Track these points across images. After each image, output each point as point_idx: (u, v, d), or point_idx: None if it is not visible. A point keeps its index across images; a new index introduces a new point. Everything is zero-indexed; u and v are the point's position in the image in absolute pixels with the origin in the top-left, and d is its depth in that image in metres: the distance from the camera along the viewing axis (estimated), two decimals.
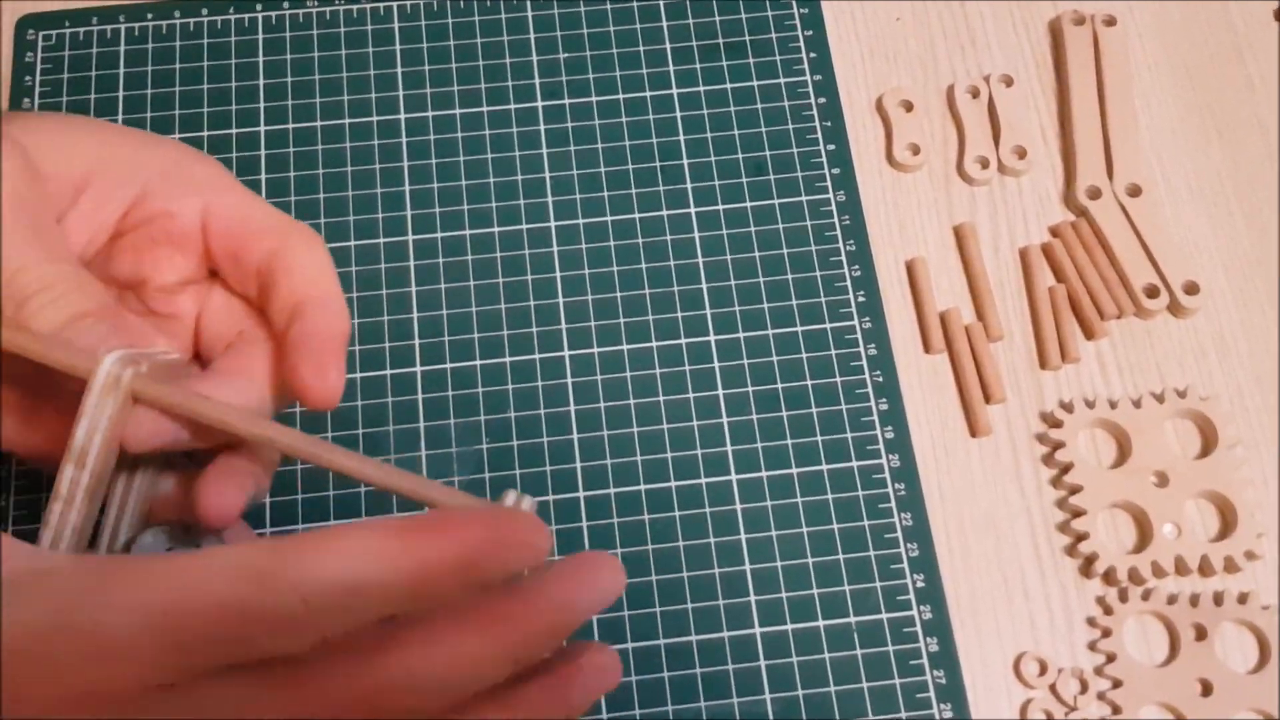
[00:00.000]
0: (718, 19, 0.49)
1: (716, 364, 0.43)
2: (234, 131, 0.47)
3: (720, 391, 0.43)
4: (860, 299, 0.44)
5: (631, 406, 0.43)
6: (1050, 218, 0.46)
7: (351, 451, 0.29)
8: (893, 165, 0.47)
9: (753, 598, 0.40)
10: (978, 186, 0.46)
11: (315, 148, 0.46)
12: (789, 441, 0.42)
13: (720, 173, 0.46)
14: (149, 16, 0.48)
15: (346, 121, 0.47)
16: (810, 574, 0.40)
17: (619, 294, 0.44)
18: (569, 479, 0.42)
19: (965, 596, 0.40)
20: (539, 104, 0.48)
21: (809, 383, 0.43)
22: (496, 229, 0.45)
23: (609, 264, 0.45)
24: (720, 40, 0.49)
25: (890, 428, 0.42)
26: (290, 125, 0.47)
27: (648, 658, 0.39)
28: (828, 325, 0.44)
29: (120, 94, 0.47)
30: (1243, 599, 0.40)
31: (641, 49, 0.49)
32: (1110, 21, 0.48)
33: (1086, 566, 0.40)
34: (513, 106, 0.48)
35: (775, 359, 0.43)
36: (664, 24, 0.49)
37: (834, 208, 0.46)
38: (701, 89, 0.48)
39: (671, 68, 0.48)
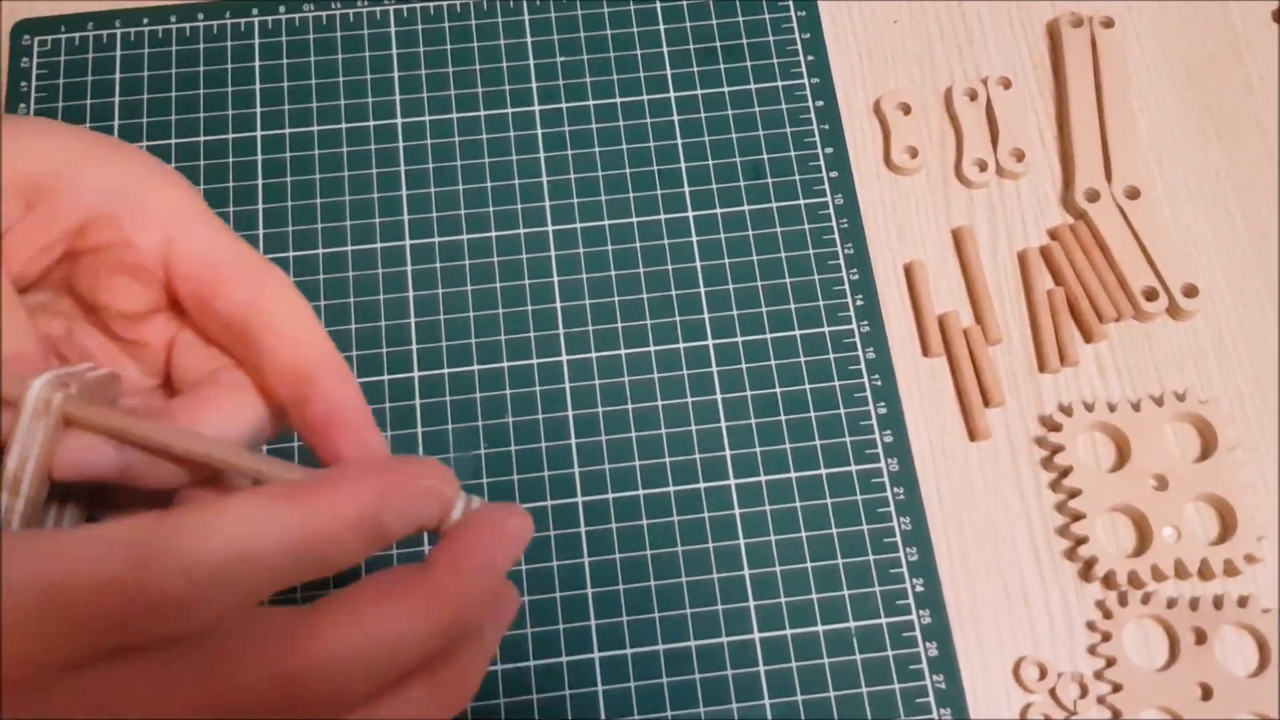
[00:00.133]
0: (715, 22, 0.49)
1: (714, 368, 0.43)
2: (230, 136, 0.46)
3: (718, 396, 0.43)
4: (858, 302, 0.44)
5: (629, 411, 0.43)
6: (1049, 220, 0.46)
7: (295, 465, 0.29)
8: (891, 168, 0.46)
9: (751, 603, 0.40)
10: (976, 189, 0.46)
11: (312, 152, 0.46)
12: (787, 446, 0.42)
13: (718, 176, 0.46)
14: (144, 21, 0.48)
15: (343, 126, 0.47)
16: (809, 579, 0.40)
17: (617, 298, 0.44)
18: (567, 484, 0.42)
19: (965, 601, 0.40)
20: (536, 108, 0.48)
21: (807, 387, 0.43)
22: (494, 233, 0.45)
23: (607, 268, 0.45)
24: (718, 43, 0.49)
25: (889, 432, 0.42)
26: (287, 130, 0.47)
27: (646, 663, 0.39)
28: (826, 329, 0.44)
29: (116, 99, 0.47)
30: (1243, 602, 0.40)
31: (639, 53, 0.48)
32: (1108, 23, 0.48)
33: (1086, 570, 0.40)
34: (510, 111, 0.47)
35: (773, 363, 0.43)
36: (661, 27, 0.49)
37: (832, 211, 0.46)
38: (699, 92, 0.48)
39: (669, 71, 0.48)
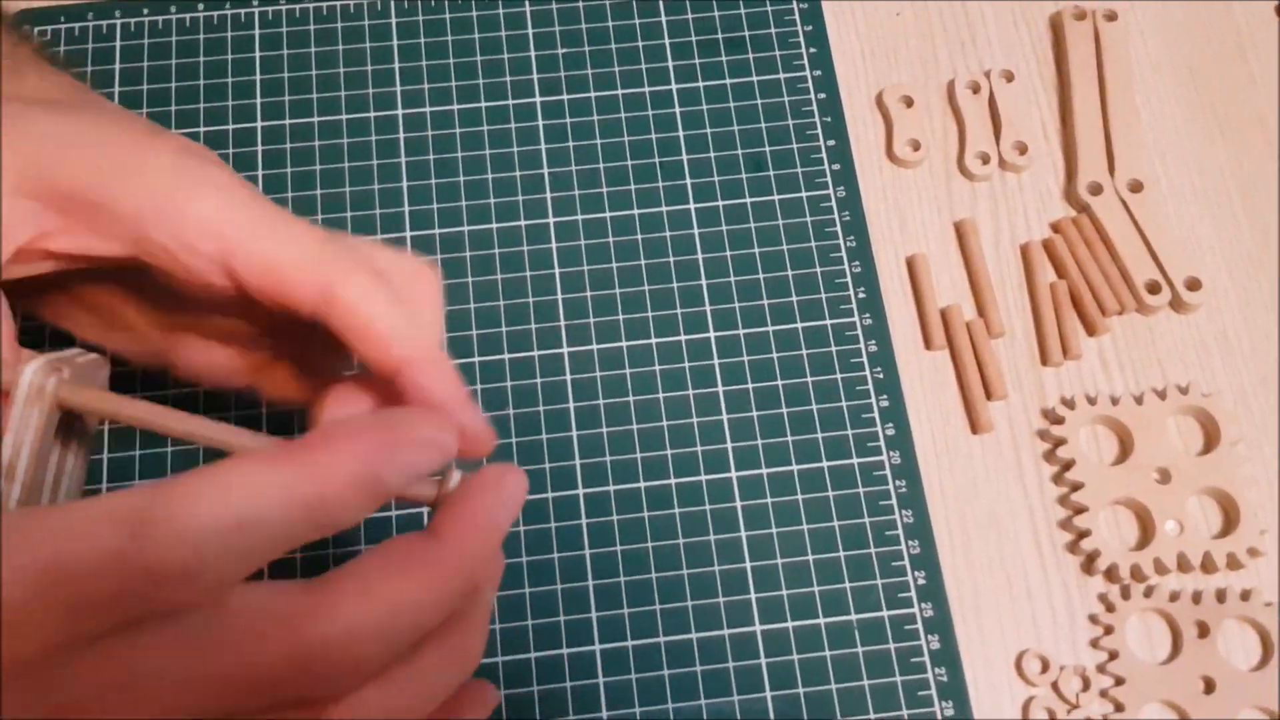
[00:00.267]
0: (717, 14, 0.49)
1: (716, 360, 0.43)
2: (230, 127, 0.46)
3: (720, 388, 0.43)
4: (860, 295, 0.44)
5: (631, 403, 0.43)
6: (1051, 213, 0.46)
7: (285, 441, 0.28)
8: (893, 161, 0.46)
9: (753, 595, 0.40)
10: (978, 182, 0.46)
11: (312, 144, 0.46)
12: (789, 438, 0.42)
13: (719, 169, 0.46)
14: (144, 12, 0.48)
15: (344, 117, 0.47)
16: (811, 571, 0.40)
17: (618, 290, 0.44)
18: (568, 476, 0.41)
19: (967, 594, 0.40)
20: (537, 100, 0.47)
21: (809, 379, 0.43)
22: (495, 225, 0.45)
23: (608, 260, 0.45)
24: (719, 36, 0.49)
25: (891, 424, 0.42)
26: (287, 121, 0.46)
27: (647, 655, 0.39)
28: (828, 321, 0.44)
29: (116, 89, 0.47)
30: (1245, 596, 0.39)
31: (640, 45, 0.48)
32: (1111, 16, 0.48)
33: (1088, 563, 0.40)
34: (511, 102, 0.47)
35: (775, 355, 0.43)
36: (663, 20, 0.49)
37: (834, 204, 0.46)
38: (700, 85, 0.48)
39: (670, 63, 0.48)
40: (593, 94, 0.47)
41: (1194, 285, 0.44)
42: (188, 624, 0.22)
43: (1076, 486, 0.41)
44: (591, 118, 0.47)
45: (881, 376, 0.43)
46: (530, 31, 0.48)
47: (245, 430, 0.27)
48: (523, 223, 0.45)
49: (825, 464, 0.42)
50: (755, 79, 0.48)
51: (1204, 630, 0.39)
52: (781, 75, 0.48)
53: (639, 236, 0.45)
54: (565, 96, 0.47)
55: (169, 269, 0.28)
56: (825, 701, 0.39)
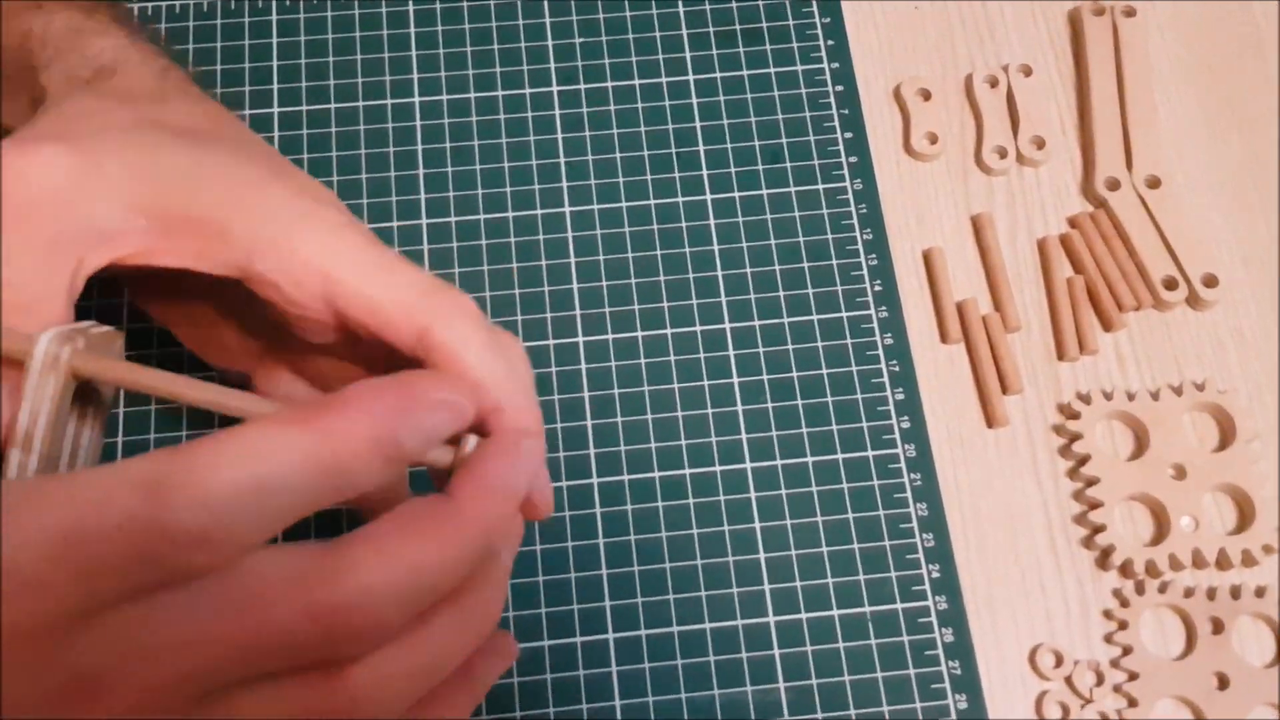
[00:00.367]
0: (734, 5, 0.49)
1: (731, 351, 0.43)
2: (247, 113, 0.46)
3: (735, 379, 0.43)
4: (877, 288, 0.44)
5: (646, 393, 0.42)
6: (1068, 208, 0.46)
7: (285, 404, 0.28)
8: (910, 154, 0.46)
9: (767, 586, 0.40)
10: (996, 176, 0.46)
11: (329, 130, 0.46)
12: (804, 430, 0.42)
13: (736, 160, 0.46)
14: None
15: (360, 104, 0.47)
16: (825, 563, 0.40)
17: (634, 280, 0.44)
18: (582, 465, 0.41)
19: (981, 587, 0.40)
20: (554, 89, 0.47)
21: (824, 371, 0.43)
22: (511, 213, 0.45)
23: (624, 250, 0.45)
24: (737, 26, 0.48)
25: (906, 417, 0.42)
26: (304, 108, 0.46)
27: (661, 644, 0.39)
28: (844, 314, 0.44)
29: None
30: (1260, 593, 0.39)
31: (658, 35, 0.48)
32: (1130, 13, 0.48)
33: (1103, 559, 0.40)
34: (528, 91, 0.47)
35: (791, 347, 0.43)
36: (680, 10, 0.49)
37: (851, 196, 0.45)
38: (718, 75, 0.48)
39: (688, 54, 0.48)
40: (610, 84, 0.47)
41: (1211, 282, 0.44)
42: (204, 588, 0.22)
43: (1092, 482, 0.41)
44: (608, 107, 0.47)
45: (897, 369, 0.43)
46: (548, 21, 0.48)
47: (258, 396, 0.27)
48: (539, 212, 0.45)
49: (840, 456, 0.42)
50: (773, 71, 0.48)
51: (1218, 626, 0.39)
52: (799, 67, 0.48)
53: (655, 227, 0.45)
54: (582, 86, 0.47)
55: (272, 299, 0.29)
56: (839, 693, 0.38)
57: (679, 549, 0.40)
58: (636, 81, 0.47)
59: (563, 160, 0.46)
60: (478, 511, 0.25)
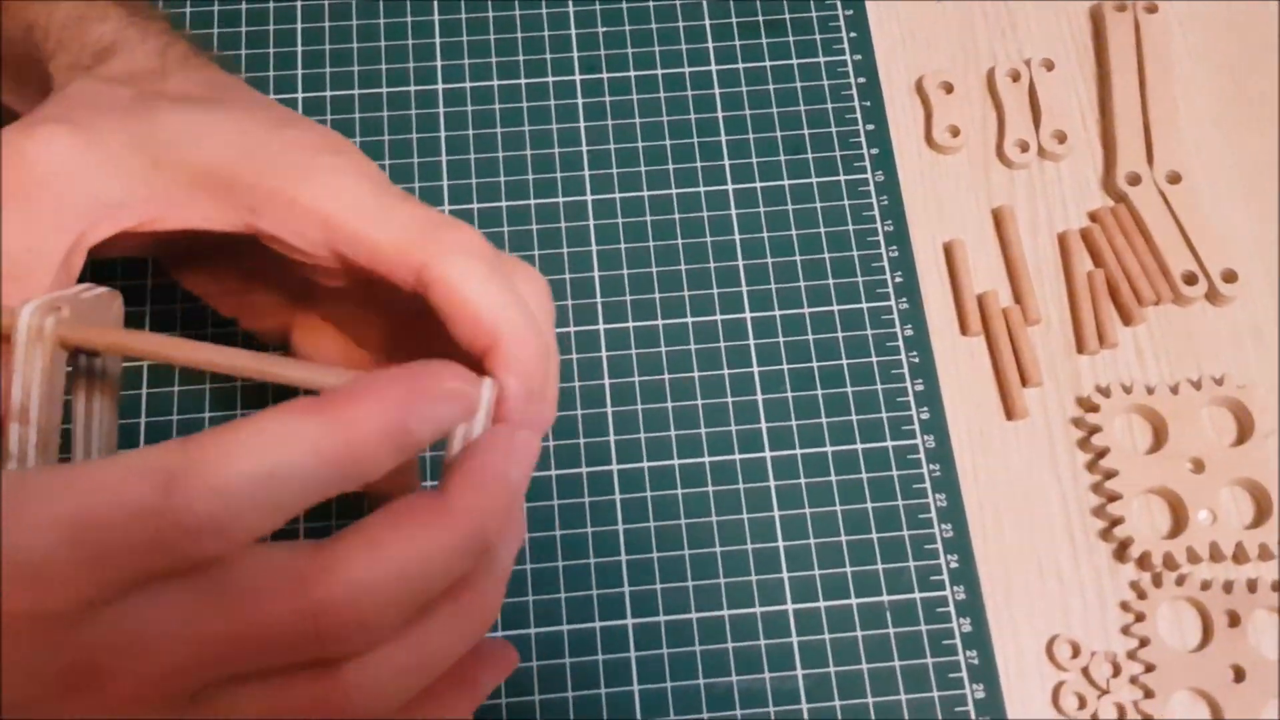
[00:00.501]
0: None
1: (752, 341, 0.43)
2: (271, 98, 0.46)
3: (755, 368, 0.43)
4: (897, 279, 0.44)
5: (666, 382, 0.43)
6: (1089, 203, 0.46)
7: (289, 359, 0.28)
8: (932, 147, 0.46)
9: (785, 574, 0.40)
10: (1017, 170, 0.46)
11: (353, 116, 0.46)
12: (824, 420, 0.42)
13: (758, 150, 0.46)
14: None
15: (384, 91, 0.47)
16: (844, 552, 0.40)
17: (655, 269, 0.44)
18: (602, 452, 0.42)
19: (999, 578, 0.40)
20: (577, 78, 0.47)
21: (844, 362, 0.43)
22: (532, 201, 0.45)
23: (645, 239, 0.45)
24: (760, 18, 0.49)
25: (926, 409, 0.42)
26: (328, 93, 0.47)
27: (679, 631, 0.39)
28: (864, 305, 0.44)
29: None
30: (1277, 586, 0.40)
31: (680, 25, 0.48)
32: (1152, 9, 0.48)
33: (1121, 551, 0.40)
34: (550, 80, 0.47)
35: (811, 337, 0.43)
36: (703, 0, 0.49)
37: (872, 188, 0.46)
38: (740, 66, 0.48)
39: (710, 44, 0.48)
40: (632, 73, 0.48)
41: (1230, 277, 0.44)
42: (199, 581, 0.22)
43: (1110, 474, 0.41)
44: (631, 96, 0.47)
45: (917, 361, 0.43)
46: (571, 9, 0.48)
47: (252, 352, 0.27)
48: (560, 200, 0.45)
49: (859, 446, 0.42)
50: (795, 62, 0.48)
51: (1235, 619, 0.39)
52: (821, 59, 0.48)
53: (676, 216, 0.45)
54: (605, 75, 0.47)
55: (282, 250, 0.30)
56: (856, 681, 0.39)
57: (698, 536, 0.41)
58: (659, 71, 0.48)
59: (585, 149, 0.46)
60: (470, 507, 0.24)
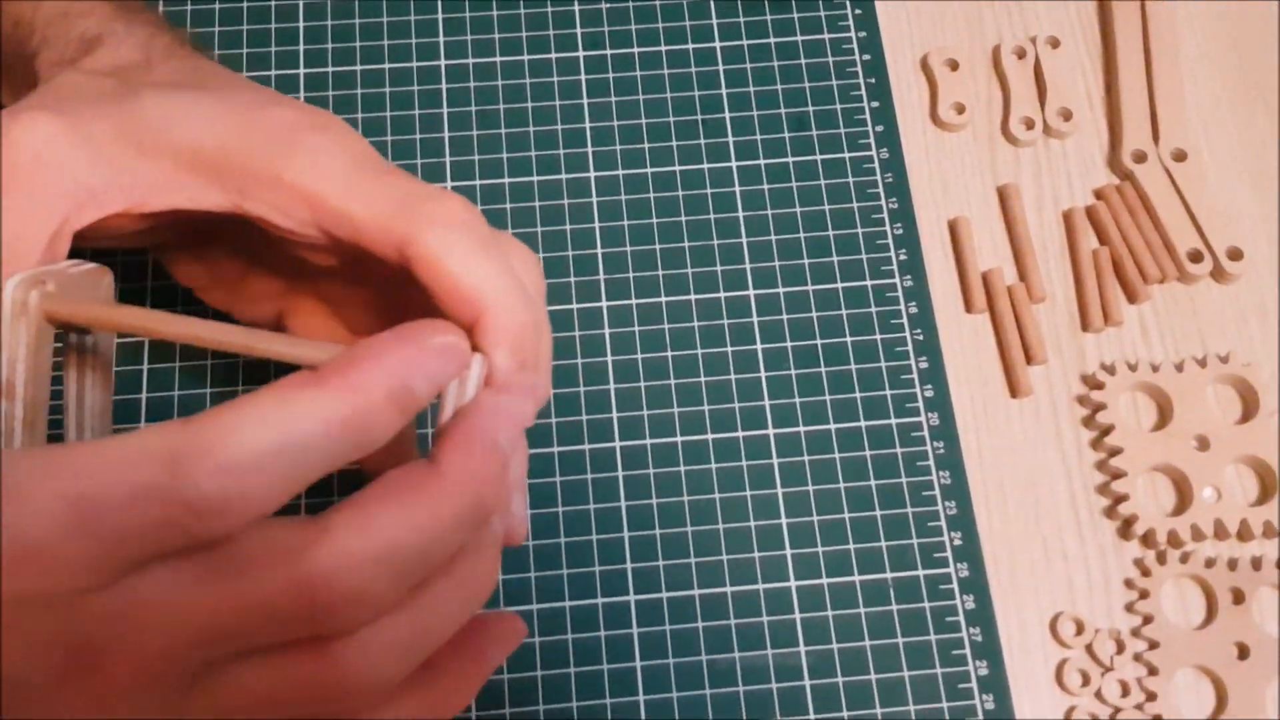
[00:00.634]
0: None
1: (755, 318, 0.43)
2: (272, 73, 0.46)
3: (759, 346, 0.43)
4: (902, 257, 0.44)
5: (669, 359, 0.43)
6: (1095, 180, 0.45)
7: (275, 334, 0.27)
8: (937, 124, 0.46)
9: (789, 551, 0.40)
10: (1022, 147, 0.46)
11: (355, 92, 0.46)
12: (827, 397, 0.42)
13: (762, 127, 0.46)
14: None
15: (386, 66, 0.47)
16: (847, 529, 0.40)
17: (658, 246, 0.44)
18: (604, 429, 0.41)
19: (1003, 555, 0.40)
20: (580, 54, 0.47)
21: (848, 339, 0.43)
22: (535, 178, 0.45)
23: (648, 216, 0.45)
24: None
25: (930, 386, 0.42)
26: (330, 69, 0.46)
27: (682, 608, 0.39)
28: (868, 282, 0.44)
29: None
30: None
31: (684, 1, 0.48)
32: None
33: (1125, 528, 0.40)
34: (554, 55, 0.47)
35: (815, 315, 0.43)
36: None
37: (877, 165, 0.45)
38: (745, 43, 0.47)
39: (715, 20, 0.48)
40: (636, 49, 0.47)
41: (1235, 255, 0.44)
42: (197, 558, 0.22)
43: (1115, 452, 0.41)
44: (635, 73, 0.47)
45: (921, 338, 0.43)
46: None
47: (239, 326, 0.27)
48: (564, 176, 0.45)
49: (863, 423, 0.42)
50: (800, 38, 0.48)
51: (1239, 597, 0.39)
52: (826, 35, 0.48)
53: (680, 193, 0.45)
54: (608, 51, 0.47)
55: (273, 230, 0.30)
56: (859, 658, 0.39)
57: (701, 513, 0.40)
58: (663, 47, 0.47)
59: (588, 125, 0.46)
60: (461, 476, 0.24)
